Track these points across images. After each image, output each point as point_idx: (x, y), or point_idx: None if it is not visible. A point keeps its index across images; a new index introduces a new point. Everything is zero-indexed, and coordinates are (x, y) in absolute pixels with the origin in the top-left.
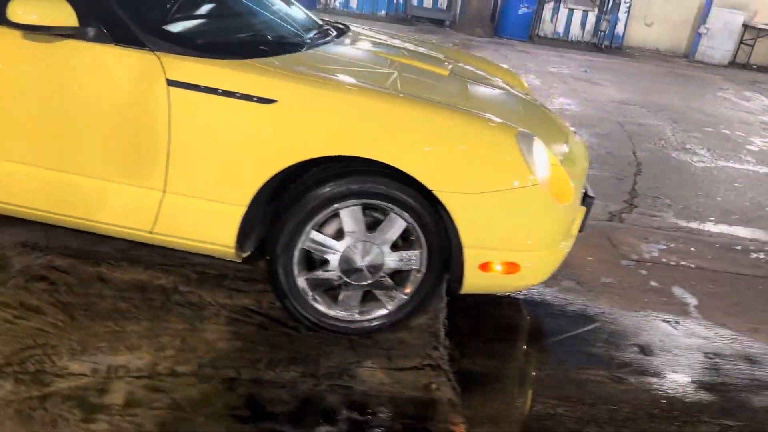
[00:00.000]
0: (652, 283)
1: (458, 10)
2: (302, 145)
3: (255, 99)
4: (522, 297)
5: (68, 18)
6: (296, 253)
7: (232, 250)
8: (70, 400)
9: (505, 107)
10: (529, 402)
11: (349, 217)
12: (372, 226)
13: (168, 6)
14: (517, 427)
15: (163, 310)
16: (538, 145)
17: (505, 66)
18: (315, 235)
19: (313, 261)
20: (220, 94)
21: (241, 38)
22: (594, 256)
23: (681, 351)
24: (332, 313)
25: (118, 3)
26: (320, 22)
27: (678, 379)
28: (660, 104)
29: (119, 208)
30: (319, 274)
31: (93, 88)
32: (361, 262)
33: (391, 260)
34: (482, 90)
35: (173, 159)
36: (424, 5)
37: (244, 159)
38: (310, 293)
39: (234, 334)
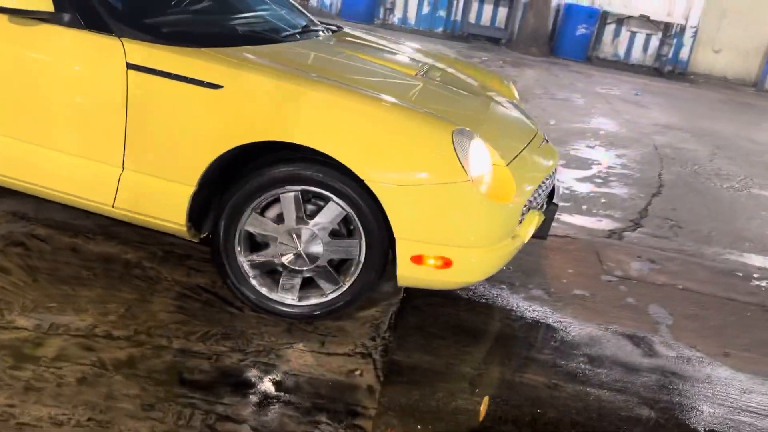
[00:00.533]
0: (629, 300)
1: (515, 29)
2: (242, 130)
3: (204, 84)
4: (484, 301)
5: (44, 3)
6: (237, 235)
7: (184, 228)
8: (6, 349)
9: (463, 107)
10: (450, 397)
11: (290, 202)
12: (315, 213)
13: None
14: (428, 417)
15: (120, 281)
16: (476, 143)
17: (501, 76)
18: (256, 217)
19: (257, 243)
20: (172, 78)
21: (209, 29)
22: (575, 269)
23: (634, 366)
24: (272, 296)
25: None
26: (312, 22)
27: (620, 393)
28: (707, 130)
29: (84, 181)
30: (260, 256)
31: (63, 69)
32: (300, 247)
33: (329, 248)
34: (445, 90)
35: (130, 137)
36: (482, 23)
37: (191, 140)
38: (251, 274)
39: (179, 308)
